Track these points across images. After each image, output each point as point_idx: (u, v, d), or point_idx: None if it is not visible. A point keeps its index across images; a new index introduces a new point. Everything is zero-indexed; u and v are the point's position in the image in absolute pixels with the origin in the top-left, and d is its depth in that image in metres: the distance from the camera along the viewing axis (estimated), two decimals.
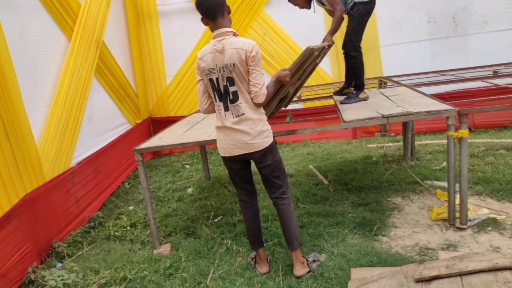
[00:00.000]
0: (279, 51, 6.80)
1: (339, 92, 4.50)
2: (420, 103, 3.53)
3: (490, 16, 6.20)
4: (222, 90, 2.61)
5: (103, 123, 5.44)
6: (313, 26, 6.05)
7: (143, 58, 7.09)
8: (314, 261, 2.92)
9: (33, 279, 3.13)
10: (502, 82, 4.37)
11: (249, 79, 2.58)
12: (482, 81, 4.59)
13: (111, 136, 5.64)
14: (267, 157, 2.71)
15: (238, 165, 2.80)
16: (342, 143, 6.44)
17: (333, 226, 3.50)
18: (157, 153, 7.26)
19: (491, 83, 4.38)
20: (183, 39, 6.99)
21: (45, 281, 2.94)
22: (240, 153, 2.68)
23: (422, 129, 6.25)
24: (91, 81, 4.99)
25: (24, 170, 3.47)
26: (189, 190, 5.01)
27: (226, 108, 2.64)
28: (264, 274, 2.92)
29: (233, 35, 2.57)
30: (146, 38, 7.09)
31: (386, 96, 4.17)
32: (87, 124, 4.91)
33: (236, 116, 2.62)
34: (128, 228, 4.09)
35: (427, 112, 3.20)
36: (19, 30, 3.76)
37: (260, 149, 2.66)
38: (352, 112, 3.62)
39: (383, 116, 3.26)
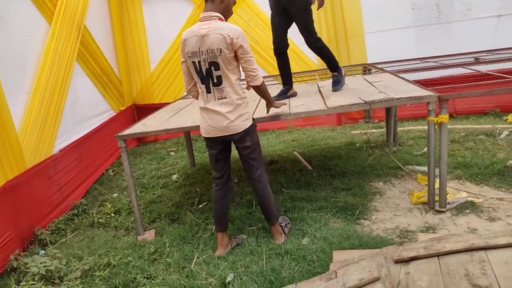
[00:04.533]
0: (264, 37, 6.75)
1: None
2: (402, 89, 3.57)
3: (473, 4, 6.25)
4: (205, 73, 2.68)
5: (86, 110, 5.37)
6: None
7: (126, 44, 6.99)
8: (286, 225, 3.19)
9: (15, 266, 3.11)
10: (483, 68, 4.44)
11: (243, 66, 2.71)
12: (464, 68, 4.66)
13: (94, 123, 5.58)
14: (245, 139, 2.83)
15: (218, 146, 2.90)
16: (326, 130, 6.48)
17: (316, 210, 3.54)
18: (141, 140, 7.21)
19: (472, 69, 4.44)
20: (167, 25, 6.89)
21: (27, 268, 2.93)
22: (219, 135, 2.80)
23: (405, 116, 6.33)
24: (73, 67, 4.91)
25: (5, 157, 3.42)
26: (174, 177, 5.01)
27: (208, 91, 2.73)
28: (217, 256, 3.03)
29: (219, 19, 2.61)
30: (129, 24, 6.97)
31: (369, 83, 4.20)
32: (70, 111, 4.84)
33: (218, 99, 2.71)
34: (112, 215, 4.08)
35: (408, 97, 3.25)
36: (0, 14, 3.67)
37: (240, 131, 2.77)
38: (335, 98, 3.65)
39: (366, 102, 3.30)
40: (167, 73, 7.14)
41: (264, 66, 6.82)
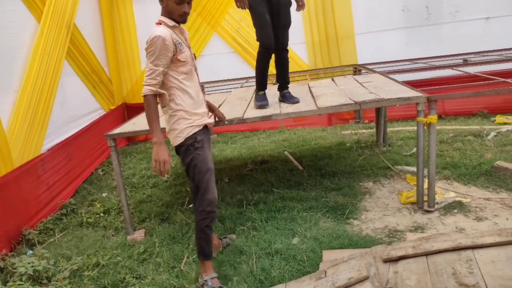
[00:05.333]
0: (255, 37, 6.74)
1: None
2: (392, 90, 3.60)
3: (461, 6, 6.33)
4: None
5: (76, 109, 5.32)
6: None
7: (117, 42, 6.93)
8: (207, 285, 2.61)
9: (2, 266, 3.06)
10: (471, 70, 4.50)
11: None
12: (452, 69, 4.71)
13: (84, 122, 5.53)
14: (179, 156, 2.68)
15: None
16: (317, 130, 6.51)
17: (306, 210, 3.56)
18: (131, 139, 7.16)
19: (461, 71, 4.49)
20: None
21: (14, 268, 2.89)
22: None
23: (395, 116, 6.37)
24: (62, 65, 4.86)
25: None
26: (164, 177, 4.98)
27: None
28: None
29: (157, 24, 2.53)
30: (119, 22, 6.92)
31: (359, 83, 4.23)
32: (59, 110, 4.79)
33: (162, 106, 2.63)
34: (102, 214, 4.05)
35: (398, 98, 3.27)
36: None
37: (173, 145, 2.65)
38: (326, 99, 3.66)
39: (356, 102, 3.32)
40: None
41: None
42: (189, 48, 2.66)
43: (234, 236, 3.25)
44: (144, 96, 2.47)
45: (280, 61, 3.77)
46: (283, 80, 3.84)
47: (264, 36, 3.50)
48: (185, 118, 2.56)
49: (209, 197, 2.59)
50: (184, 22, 2.56)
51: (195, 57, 2.75)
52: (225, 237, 3.21)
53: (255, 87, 3.85)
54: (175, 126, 2.57)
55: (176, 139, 2.58)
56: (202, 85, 2.86)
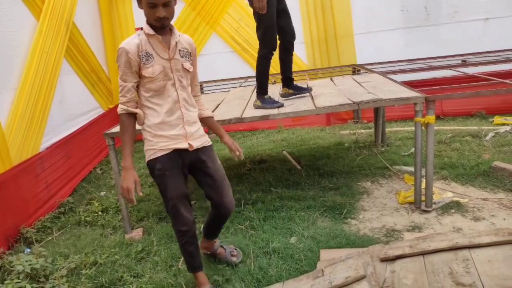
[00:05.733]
0: (255, 37, 6.72)
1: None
2: (390, 90, 3.61)
3: (460, 6, 6.35)
4: None
5: (74, 107, 5.31)
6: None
7: (116, 41, 6.93)
8: None
9: None
10: (470, 70, 4.51)
11: None
12: (451, 70, 4.72)
13: (82, 121, 5.53)
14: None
15: None
16: (315, 130, 6.52)
17: (304, 209, 3.56)
18: None
19: (459, 71, 4.50)
20: None
21: (12, 267, 2.89)
22: None
23: (393, 117, 6.38)
24: (61, 64, 4.86)
25: None
26: None
27: None
28: None
29: (136, 29, 2.38)
30: (118, 20, 6.92)
31: (358, 83, 4.24)
32: (58, 108, 4.79)
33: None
34: (100, 213, 4.05)
35: (396, 98, 3.28)
36: None
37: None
38: (324, 99, 3.67)
39: (354, 102, 3.33)
40: None
41: (255, 66, 6.79)
42: (172, 60, 2.27)
43: (234, 259, 2.88)
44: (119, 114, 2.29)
45: (289, 54, 3.82)
46: (291, 73, 3.92)
47: (273, 38, 3.52)
48: (148, 140, 2.34)
49: (178, 227, 2.44)
50: (162, 27, 2.22)
51: (186, 69, 2.35)
52: (224, 248, 2.92)
53: (254, 89, 3.83)
54: (146, 145, 2.37)
55: (148, 157, 2.37)
56: (197, 97, 2.56)
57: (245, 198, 3.88)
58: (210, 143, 2.50)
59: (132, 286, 2.76)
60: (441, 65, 5.26)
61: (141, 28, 2.27)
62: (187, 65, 2.35)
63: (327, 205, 3.61)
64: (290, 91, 3.91)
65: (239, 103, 4.06)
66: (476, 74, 4.15)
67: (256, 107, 3.66)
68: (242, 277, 2.67)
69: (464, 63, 5.21)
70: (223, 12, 6.81)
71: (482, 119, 6.04)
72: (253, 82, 6.02)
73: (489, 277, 1.93)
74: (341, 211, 3.49)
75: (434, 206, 3.38)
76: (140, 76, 2.25)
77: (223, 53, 6.96)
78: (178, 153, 2.33)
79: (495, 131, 5.14)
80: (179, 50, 2.31)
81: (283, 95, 3.95)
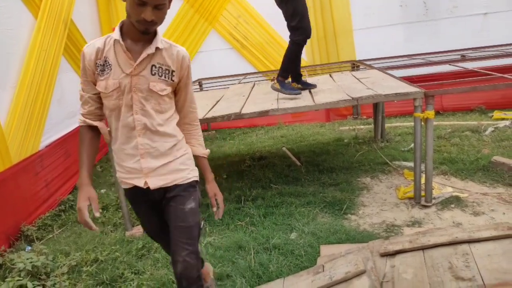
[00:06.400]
0: (253, 34, 6.75)
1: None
2: (389, 86, 3.61)
3: (459, 1, 6.33)
4: None
5: (74, 106, 5.29)
6: None
7: None
8: None
9: (0, 262, 3.07)
10: (469, 66, 4.50)
11: None
12: (450, 65, 4.72)
13: None
14: None
15: None
16: (315, 126, 6.52)
17: (304, 205, 3.57)
18: None
19: (458, 66, 4.50)
20: None
21: (13, 264, 2.89)
22: None
23: (393, 112, 6.38)
24: (59, 62, 4.84)
25: None
26: None
27: None
28: None
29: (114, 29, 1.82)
30: (117, 18, 6.88)
31: (357, 79, 4.23)
32: (57, 106, 4.78)
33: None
34: (100, 210, 4.04)
35: (395, 94, 3.28)
36: None
37: None
38: (323, 95, 3.67)
39: (353, 98, 3.33)
40: None
41: (254, 63, 6.83)
42: (135, 76, 1.73)
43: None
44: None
45: (301, 51, 3.86)
46: (300, 70, 3.99)
47: (309, 25, 3.62)
48: (117, 164, 1.92)
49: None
50: (145, 33, 1.70)
51: (155, 91, 1.77)
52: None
53: (253, 85, 3.85)
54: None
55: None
56: (191, 126, 2.00)
57: (245, 195, 3.89)
58: (189, 180, 1.90)
59: (133, 283, 2.77)
60: (440, 60, 5.25)
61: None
62: (159, 86, 1.77)
63: (327, 201, 3.61)
64: (299, 86, 4.00)
65: (238, 100, 4.06)
66: (475, 69, 4.15)
67: (274, 89, 3.71)
68: (243, 273, 2.68)
69: (464, 58, 5.20)
70: (221, 9, 6.79)
71: (482, 114, 6.04)
72: (252, 79, 6.04)
73: (488, 271, 1.94)
74: (341, 206, 3.49)
75: (433, 201, 3.39)
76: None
77: (222, 50, 6.94)
78: (140, 189, 1.87)
79: (495, 126, 5.14)
80: (153, 65, 1.76)
81: None
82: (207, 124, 6.71)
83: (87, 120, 1.86)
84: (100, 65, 1.75)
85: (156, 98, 1.79)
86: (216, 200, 2.03)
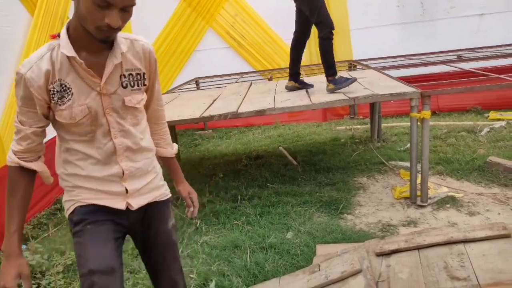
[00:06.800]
0: (251, 32, 6.75)
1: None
2: (386, 86, 3.62)
3: (456, 2, 6.35)
4: None
5: None
6: (286, 9, 6.02)
7: None
8: None
9: None
10: (465, 66, 4.52)
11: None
12: (447, 65, 4.74)
13: None
14: None
15: None
16: (312, 126, 6.52)
17: (300, 205, 3.57)
18: None
19: (455, 67, 4.52)
20: (152, 18, 6.82)
21: None
22: None
23: (389, 112, 6.40)
24: None
25: None
26: None
27: None
28: None
29: (51, 37, 1.48)
30: None
31: None
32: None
33: None
34: None
35: (392, 94, 3.29)
36: None
37: None
38: (321, 95, 3.67)
39: (350, 98, 3.33)
40: None
41: (251, 62, 6.83)
42: (106, 95, 1.42)
43: None
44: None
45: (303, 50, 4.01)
46: (299, 69, 4.06)
47: (328, 18, 3.64)
48: (68, 190, 1.58)
49: None
50: (104, 42, 1.35)
51: (131, 106, 1.49)
52: None
53: (250, 84, 3.85)
54: (64, 193, 1.63)
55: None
56: (158, 125, 1.76)
57: (241, 194, 3.88)
58: (167, 196, 1.72)
59: (129, 282, 2.76)
60: (437, 60, 5.27)
61: (58, 36, 1.41)
62: (135, 99, 1.49)
63: (323, 200, 3.62)
64: (296, 85, 4.05)
65: (235, 99, 4.06)
66: (471, 70, 4.17)
67: (331, 91, 3.60)
68: (239, 272, 2.68)
69: (460, 59, 5.23)
70: (219, 7, 6.78)
71: (478, 114, 6.06)
72: (249, 78, 6.03)
73: (483, 271, 1.95)
74: (337, 206, 3.50)
75: (429, 201, 3.40)
76: (51, 118, 1.44)
77: (219, 48, 6.94)
78: (110, 209, 1.53)
79: (490, 126, 5.17)
80: (122, 75, 1.44)
81: (290, 88, 4.09)
82: (204, 123, 6.71)
83: (22, 162, 1.49)
84: (57, 91, 1.37)
85: (133, 111, 1.51)
86: (191, 198, 1.87)
